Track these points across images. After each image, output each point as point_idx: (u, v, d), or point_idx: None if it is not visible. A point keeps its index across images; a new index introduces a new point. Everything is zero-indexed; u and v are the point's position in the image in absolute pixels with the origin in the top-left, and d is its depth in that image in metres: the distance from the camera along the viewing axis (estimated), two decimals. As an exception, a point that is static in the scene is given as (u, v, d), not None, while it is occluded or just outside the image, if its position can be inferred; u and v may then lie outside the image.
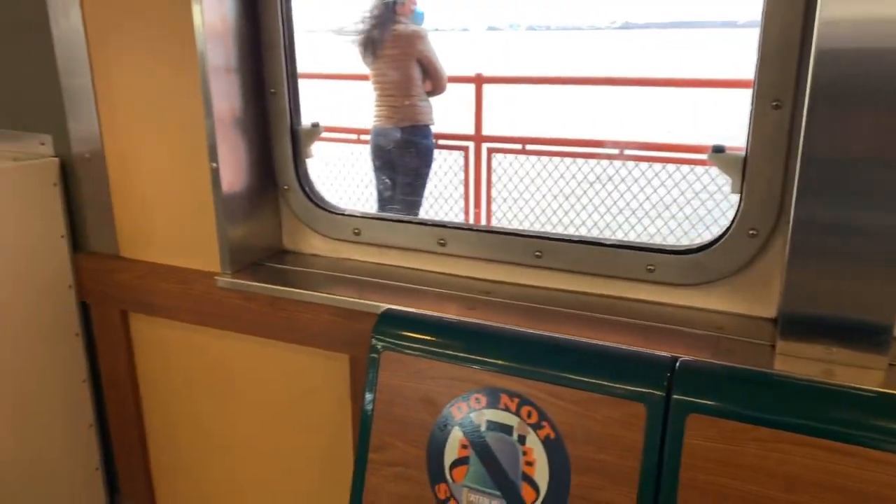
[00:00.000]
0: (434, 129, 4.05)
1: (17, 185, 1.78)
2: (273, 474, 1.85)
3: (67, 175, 1.87)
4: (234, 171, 1.70)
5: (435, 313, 1.43)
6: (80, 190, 1.87)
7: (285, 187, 1.80)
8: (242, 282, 1.69)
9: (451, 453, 1.30)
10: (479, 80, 4.26)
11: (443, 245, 1.64)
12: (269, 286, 1.66)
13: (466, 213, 4.40)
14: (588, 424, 1.20)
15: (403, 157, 4.04)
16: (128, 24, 1.68)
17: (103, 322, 1.93)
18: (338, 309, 1.60)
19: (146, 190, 1.80)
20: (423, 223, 1.67)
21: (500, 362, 1.28)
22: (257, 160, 1.76)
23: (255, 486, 1.89)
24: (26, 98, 1.88)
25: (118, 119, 1.77)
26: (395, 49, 3.88)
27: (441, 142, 4.18)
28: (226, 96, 1.65)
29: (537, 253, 1.54)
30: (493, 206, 4.35)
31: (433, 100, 4.04)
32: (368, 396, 1.38)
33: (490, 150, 4.20)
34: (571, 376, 1.22)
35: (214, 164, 1.66)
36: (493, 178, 4.19)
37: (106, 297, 1.90)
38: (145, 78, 1.70)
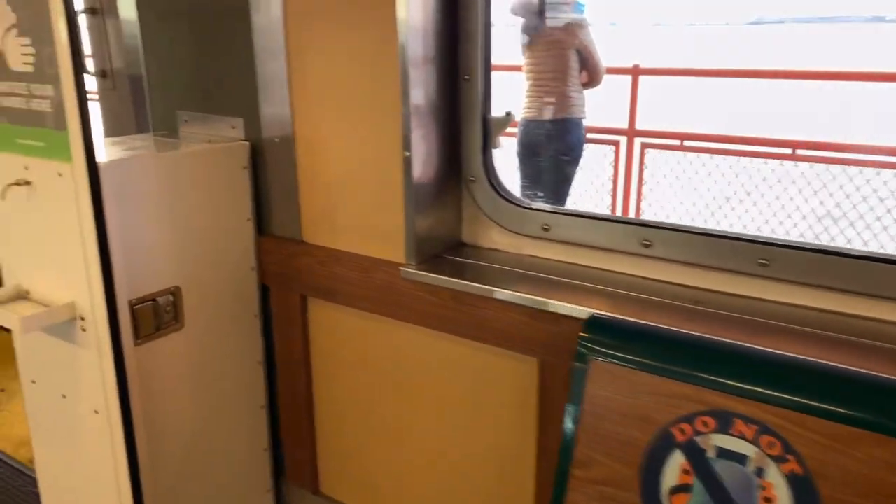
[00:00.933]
0: (584, 122, 3.90)
1: (210, 167, 1.82)
2: (444, 472, 1.80)
3: (256, 158, 1.90)
4: (423, 160, 1.65)
5: (652, 323, 1.31)
6: (267, 174, 1.89)
7: (471, 178, 1.73)
8: (427, 274, 1.64)
9: (670, 478, 1.18)
10: (635, 72, 4.06)
11: (647, 246, 1.52)
12: (455, 280, 1.60)
13: (613, 211, 4.20)
14: (846, 463, 1.04)
15: (551, 149, 3.91)
16: (328, 12, 1.66)
17: (282, 305, 1.95)
18: (527, 309, 1.51)
19: (333, 176, 1.78)
20: (626, 222, 1.55)
21: (733, 383, 1.15)
22: (445, 150, 1.71)
23: (424, 482, 1.85)
24: (222, 82, 1.92)
25: (310, 105, 1.77)
26: (554, 38, 3.76)
27: (590, 135, 4.03)
28: (422, 85, 1.60)
29: (763, 261, 1.38)
30: (643, 204, 4.12)
31: (586, 92, 3.89)
32: (572, 407, 1.29)
33: (644, 146, 3.99)
34: (826, 406, 1.07)
35: (407, 153, 1.61)
36: (648, 175, 3.97)
37: (286, 281, 1.92)
38: (340, 65, 1.68)
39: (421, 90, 1.60)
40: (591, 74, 3.84)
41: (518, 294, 1.51)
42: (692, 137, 3.96)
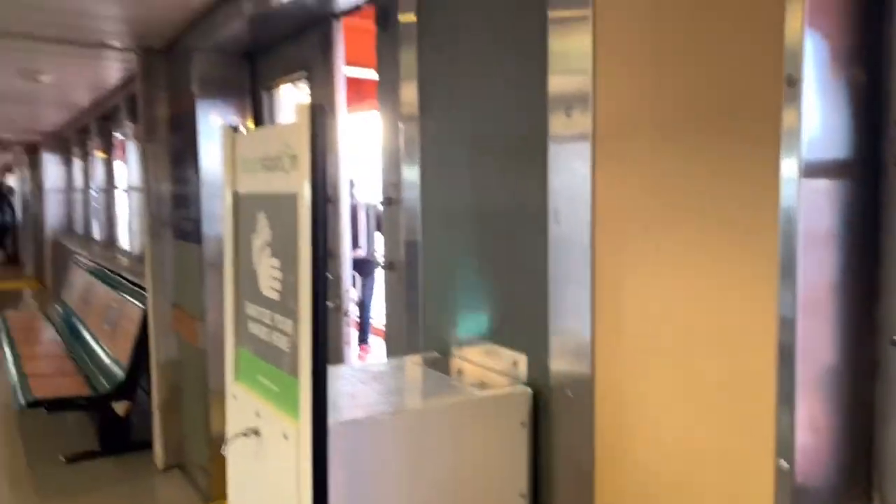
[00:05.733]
0: None
1: (475, 422, 1.34)
2: None
3: (539, 412, 1.38)
4: (810, 471, 0.96)
5: None
6: (552, 437, 1.35)
7: (906, 512, 0.98)
8: None
9: None
10: None
11: None
12: None
13: None
14: None
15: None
16: (660, 219, 1.14)
17: None
18: None
19: (651, 463, 1.17)
20: None
21: None
22: (849, 450, 1.00)
23: None
24: (504, 303, 1.48)
25: (620, 350, 1.22)
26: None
27: None
28: (818, 345, 0.95)
29: None
30: None
31: None
32: None
33: None
34: None
35: (784, 464, 0.95)
36: None
37: None
38: (677, 296, 1.12)
39: (817, 351, 0.95)
40: None
41: None
42: None
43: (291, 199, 1.16)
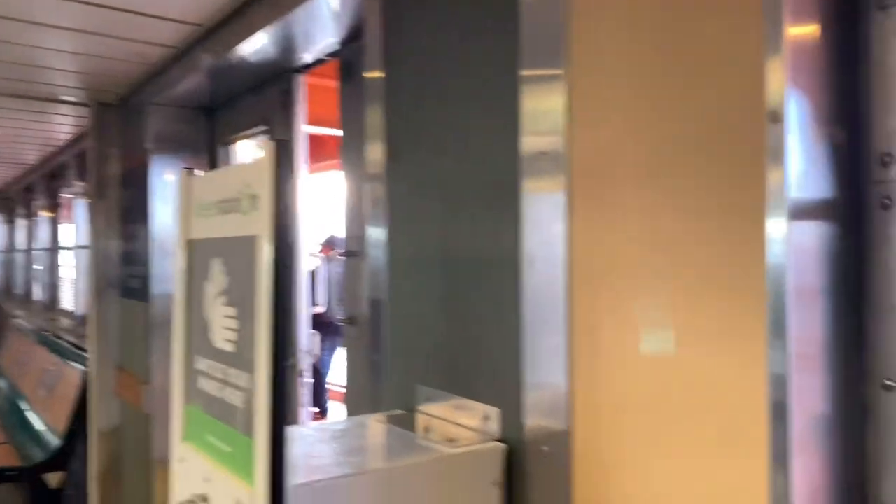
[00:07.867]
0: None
1: (440, 483, 1.25)
2: None
3: (513, 470, 1.30)
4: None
5: None
6: (526, 496, 1.27)
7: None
8: None
9: None
10: None
11: None
12: None
13: None
14: None
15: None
16: (643, 263, 1.10)
17: None
18: None
19: (633, 524, 1.10)
20: None
21: None
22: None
23: None
24: (475, 356, 1.41)
25: (601, 401, 1.15)
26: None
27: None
28: (809, 387, 0.91)
29: None
30: None
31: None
32: None
33: None
34: None
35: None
36: None
37: None
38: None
39: (806, 400, 0.91)
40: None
41: None
42: None
43: (250, 242, 1.08)
